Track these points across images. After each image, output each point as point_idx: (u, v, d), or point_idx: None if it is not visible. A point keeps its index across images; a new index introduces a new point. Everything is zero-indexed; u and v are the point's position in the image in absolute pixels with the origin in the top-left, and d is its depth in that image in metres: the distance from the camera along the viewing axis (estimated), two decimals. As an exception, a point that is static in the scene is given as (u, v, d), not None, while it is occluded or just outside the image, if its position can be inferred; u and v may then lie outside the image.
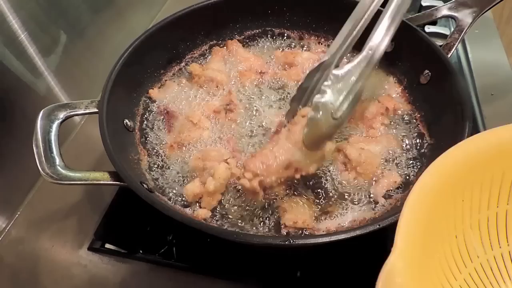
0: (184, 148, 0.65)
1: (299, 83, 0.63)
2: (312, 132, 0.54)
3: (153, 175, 0.63)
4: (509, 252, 0.44)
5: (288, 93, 0.74)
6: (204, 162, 0.61)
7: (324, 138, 0.56)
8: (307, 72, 0.62)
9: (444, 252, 0.41)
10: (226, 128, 0.68)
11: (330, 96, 0.53)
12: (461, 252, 0.42)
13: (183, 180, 0.62)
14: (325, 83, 0.53)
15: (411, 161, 0.64)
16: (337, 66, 0.62)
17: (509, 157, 0.41)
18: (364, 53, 0.57)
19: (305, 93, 0.64)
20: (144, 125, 0.69)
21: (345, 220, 0.58)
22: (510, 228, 0.44)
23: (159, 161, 0.65)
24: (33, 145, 0.54)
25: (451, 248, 0.41)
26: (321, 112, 0.52)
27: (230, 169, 0.59)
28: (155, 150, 0.66)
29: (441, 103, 0.65)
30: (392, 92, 0.73)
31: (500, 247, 0.44)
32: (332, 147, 0.58)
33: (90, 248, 0.65)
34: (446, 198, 0.39)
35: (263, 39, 0.83)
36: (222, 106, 0.70)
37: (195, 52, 0.80)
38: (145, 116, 0.71)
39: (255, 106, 0.72)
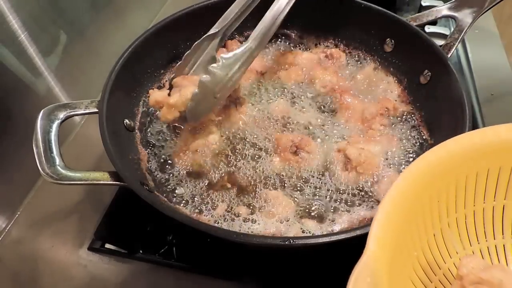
0: (191, 154, 0.65)
1: (186, 52, 0.66)
2: (195, 106, 0.61)
3: (153, 175, 0.63)
4: (487, 247, 0.46)
5: (289, 91, 0.74)
6: (183, 81, 0.63)
7: (203, 113, 0.64)
8: (194, 44, 0.65)
9: (422, 249, 0.42)
10: (234, 126, 0.69)
11: (215, 77, 0.59)
12: (440, 249, 0.44)
13: (184, 181, 0.63)
14: (213, 65, 0.59)
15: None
16: (223, 38, 0.67)
17: (481, 159, 0.43)
18: (249, 43, 0.61)
19: (189, 62, 0.67)
20: (144, 127, 0.69)
21: (345, 220, 0.58)
22: (488, 225, 0.46)
23: (160, 162, 0.65)
24: (33, 145, 0.54)
25: (429, 245, 0.43)
26: (205, 89, 0.59)
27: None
28: (156, 152, 0.66)
29: (441, 103, 0.65)
30: (392, 92, 0.73)
31: (478, 242, 0.46)
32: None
33: (90, 248, 0.65)
34: (421, 200, 0.40)
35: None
36: (232, 102, 0.70)
37: (195, 52, 0.80)
38: (147, 118, 0.70)
39: (257, 107, 0.72)
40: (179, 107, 0.61)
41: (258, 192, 0.61)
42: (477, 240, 0.46)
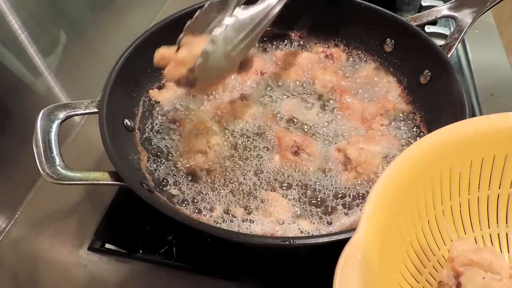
0: (191, 154, 0.65)
1: (197, 13, 0.60)
2: (205, 64, 0.54)
3: (153, 175, 0.63)
4: (482, 236, 0.46)
5: (289, 91, 0.75)
6: (193, 39, 0.59)
7: (213, 76, 0.58)
8: (208, 3, 0.59)
9: (416, 235, 0.43)
10: (237, 124, 0.69)
11: (229, 32, 0.54)
12: (434, 236, 0.45)
13: (185, 181, 0.63)
14: (227, 19, 0.54)
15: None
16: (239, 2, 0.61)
17: (474, 148, 0.43)
18: (265, 3, 0.57)
19: (201, 24, 0.61)
20: (145, 127, 0.69)
21: (344, 221, 0.58)
22: (483, 214, 0.46)
23: (160, 162, 0.65)
24: (33, 145, 0.54)
25: (423, 232, 0.44)
26: (217, 46, 0.53)
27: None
28: (156, 152, 0.66)
29: (441, 103, 0.65)
30: (392, 92, 0.73)
31: (473, 231, 0.46)
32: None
33: (90, 248, 0.65)
34: (414, 186, 0.41)
35: (263, 39, 0.83)
36: (237, 96, 0.71)
37: (195, 52, 0.80)
38: (147, 118, 0.70)
39: (258, 107, 0.72)
40: (187, 63, 0.55)
41: (258, 193, 0.61)
42: (472, 229, 0.46)
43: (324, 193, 0.61)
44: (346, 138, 0.67)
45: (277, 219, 0.58)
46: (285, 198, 0.60)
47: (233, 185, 0.62)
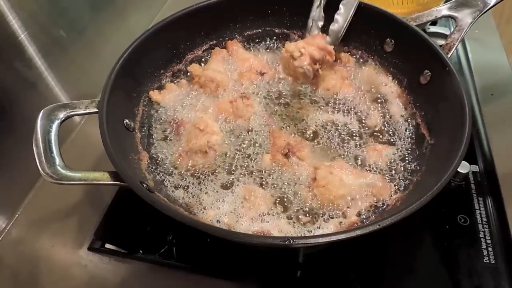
0: (191, 154, 0.65)
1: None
2: None
3: (153, 175, 0.63)
4: None
5: (292, 92, 0.75)
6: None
7: None
8: None
9: None
10: (238, 123, 0.69)
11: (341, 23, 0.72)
12: None
13: (184, 181, 0.63)
14: (338, 12, 0.72)
15: (411, 161, 0.64)
16: None
17: None
18: None
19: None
20: (144, 127, 0.69)
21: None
22: None
23: (160, 162, 0.65)
24: (33, 145, 0.54)
25: None
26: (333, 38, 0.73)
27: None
28: (156, 152, 0.66)
29: (441, 103, 0.65)
30: (392, 92, 0.73)
31: None
32: None
33: (90, 248, 0.65)
34: None
35: (263, 39, 0.83)
36: (238, 95, 0.71)
37: (195, 52, 0.80)
38: (147, 118, 0.70)
39: (258, 106, 0.72)
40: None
41: (252, 191, 0.61)
42: None
43: (295, 201, 0.59)
44: (336, 151, 0.65)
45: (259, 216, 0.57)
46: (270, 197, 0.59)
47: (231, 184, 0.62)
